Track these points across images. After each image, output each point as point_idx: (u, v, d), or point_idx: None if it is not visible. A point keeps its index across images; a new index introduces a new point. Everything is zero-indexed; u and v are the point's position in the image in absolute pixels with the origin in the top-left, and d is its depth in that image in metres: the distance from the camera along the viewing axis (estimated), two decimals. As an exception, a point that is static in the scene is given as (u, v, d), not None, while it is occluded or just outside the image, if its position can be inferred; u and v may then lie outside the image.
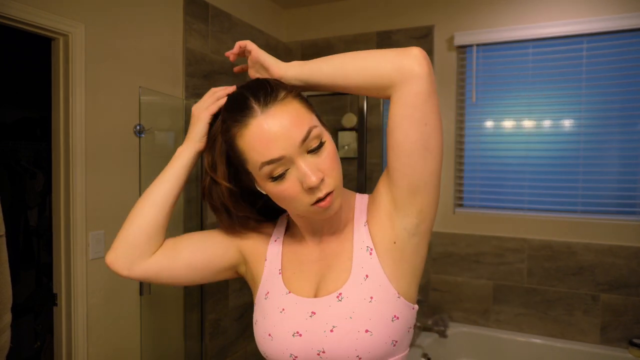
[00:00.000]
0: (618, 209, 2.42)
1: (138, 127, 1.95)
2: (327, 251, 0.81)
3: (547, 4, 2.48)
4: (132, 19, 1.94)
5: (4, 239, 1.14)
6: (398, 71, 0.70)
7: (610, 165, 2.45)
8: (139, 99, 1.95)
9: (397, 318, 0.73)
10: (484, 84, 2.68)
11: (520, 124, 2.62)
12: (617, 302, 2.39)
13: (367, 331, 0.71)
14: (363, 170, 1.76)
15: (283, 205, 0.76)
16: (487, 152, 2.70)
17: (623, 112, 2.42)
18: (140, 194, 1.97)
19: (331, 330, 0.72)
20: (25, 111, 3.14)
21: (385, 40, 2.85)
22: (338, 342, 0.72)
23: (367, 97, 1.64)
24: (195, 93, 2.28)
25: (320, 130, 0.72)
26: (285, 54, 3.14)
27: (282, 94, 0.71)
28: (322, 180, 0.70)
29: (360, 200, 0.85)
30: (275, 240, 0.88)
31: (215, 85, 2.43)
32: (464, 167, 2.75)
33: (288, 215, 0.90)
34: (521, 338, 2.56)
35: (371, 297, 0.73)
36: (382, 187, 0.80)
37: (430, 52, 2.74)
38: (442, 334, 2.52)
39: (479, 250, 2.66)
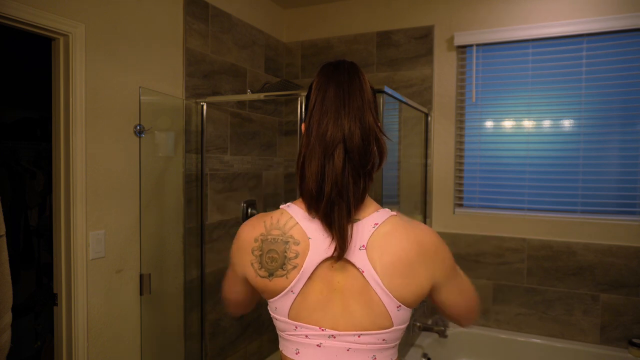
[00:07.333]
0: (618, 209, 2.42)
1: (138, 127, 1.95)
2: None
3: (547, 4, 2.49)
4: (132, 19, 1.94)
5: (4, 239, 1.14)
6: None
7: (610, 165, 2.45)
8: (139, 99, 1.95)
9: None
10: (484, 84, 2.68)
11: (520, 124, 2.62)
12: (617, 302, 2.39)
13: None
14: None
15: None
16: (487, 152, 2.70)
17: (623, 112, 2.42)
18: (140, 194, 1.97)
19: None
20: (25, 111, 3.13)
21: (385, 40, 2.85)
22: None
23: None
24: (196, 93, 2.28)
25: None
26: (285, 54, 3.14)
27: None
28: None
29: None
30: None
31: (215, 85, 2.44)
32: (464, 167, 2.75)
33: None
34: (521, 338, 2.56)
35: None
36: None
37: (430, 52, 2.74)
38: (442, 334, 2.52)
39: (479, 250, 2.66)
